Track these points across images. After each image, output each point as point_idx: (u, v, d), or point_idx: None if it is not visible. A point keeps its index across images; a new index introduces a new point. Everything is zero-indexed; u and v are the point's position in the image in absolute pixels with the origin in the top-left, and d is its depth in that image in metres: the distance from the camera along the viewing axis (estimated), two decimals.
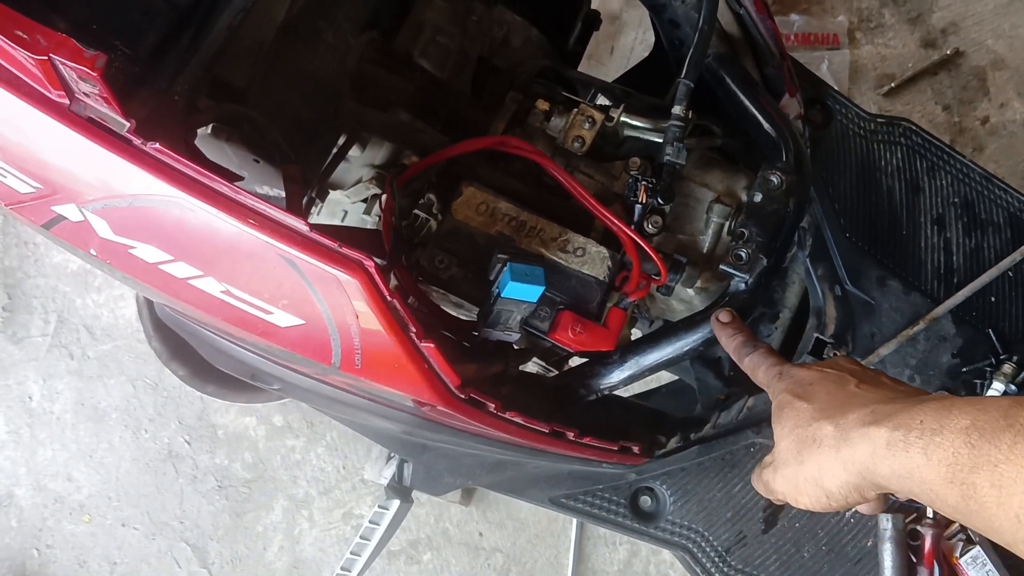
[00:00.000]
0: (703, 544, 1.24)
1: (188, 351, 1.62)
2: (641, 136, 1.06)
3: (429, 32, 1.15)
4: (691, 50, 1.00)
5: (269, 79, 0.96)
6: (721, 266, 0.97)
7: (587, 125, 1.02)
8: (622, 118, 1.04)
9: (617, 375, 1.01)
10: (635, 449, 1.11)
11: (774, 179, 0.98)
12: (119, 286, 2.11)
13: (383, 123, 1.05)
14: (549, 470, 1.21)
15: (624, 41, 2.04)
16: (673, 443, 1.19)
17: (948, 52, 1.93)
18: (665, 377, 1.58)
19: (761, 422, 1.25)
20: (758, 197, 0.97)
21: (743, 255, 0.95)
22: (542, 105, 1.03)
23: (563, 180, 0.98)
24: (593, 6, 1.43)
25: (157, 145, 0.71)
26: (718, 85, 1.10)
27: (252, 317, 0.81)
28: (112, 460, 2.06)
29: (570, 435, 0.99)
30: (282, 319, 0.80)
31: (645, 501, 1.25)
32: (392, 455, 1.47)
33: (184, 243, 0.76)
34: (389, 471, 1.32)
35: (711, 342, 0.97)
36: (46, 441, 2.07)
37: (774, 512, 1.25)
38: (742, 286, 0.97)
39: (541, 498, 1.21)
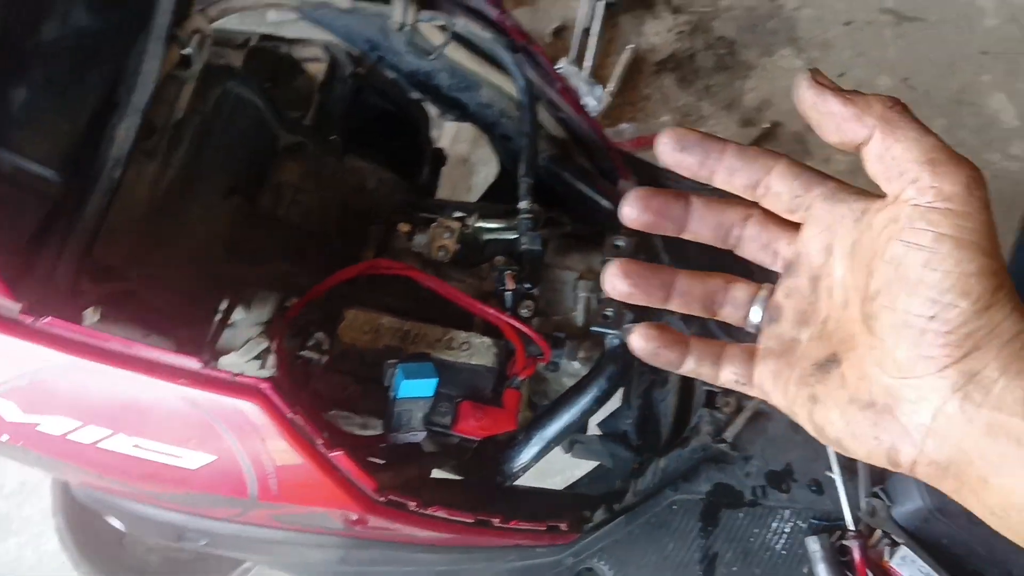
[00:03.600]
0: None
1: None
2: (499, 237, 1.16)
3: (289, 193, 1.24)
4: (524, 152, 1.12)
5: (147, 256, 1.03)
6: (592, 328, 1.06)
7: (447, 235, 1.12)
8: (477, 224, 1.15)
9: (527, 453, 1.07)
10: (563, 527, 1.15)
11: (620, 243, 1.09)
12: (38, 522, 2.05)
13: (260, 276, 1.12)
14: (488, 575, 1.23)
15: (477, 180, 2.19)
16: (599, 515, 1.24)
17: (766, 126, 2.15)
18: (585, 467, 1.63)
19: (676, 480, 1.32)
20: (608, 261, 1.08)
21: (610, 313, 1.05)
22: (403, 227, 1.13)
23: (435, 286, 1.07)
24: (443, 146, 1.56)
25: (48, 319, 0.76)
26: (557, 181, 1.23)
27: (166, 467, 0.84)
28: None
29: (495, 521, 1.04)
30: (194, 460, 0.84)
31: None
32: None
33: (89, 407, 0.81)
34: None
35: (602, 399, 1.05)
36: None
37: (710, 561, 1.30)
38: (616, 342, 1.06)
39: None
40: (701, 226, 0.48)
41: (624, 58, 2.24)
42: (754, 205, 0.48)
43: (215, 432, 0.82)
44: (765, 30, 2.27)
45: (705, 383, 1.38)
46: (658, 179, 1.49)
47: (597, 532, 1.26)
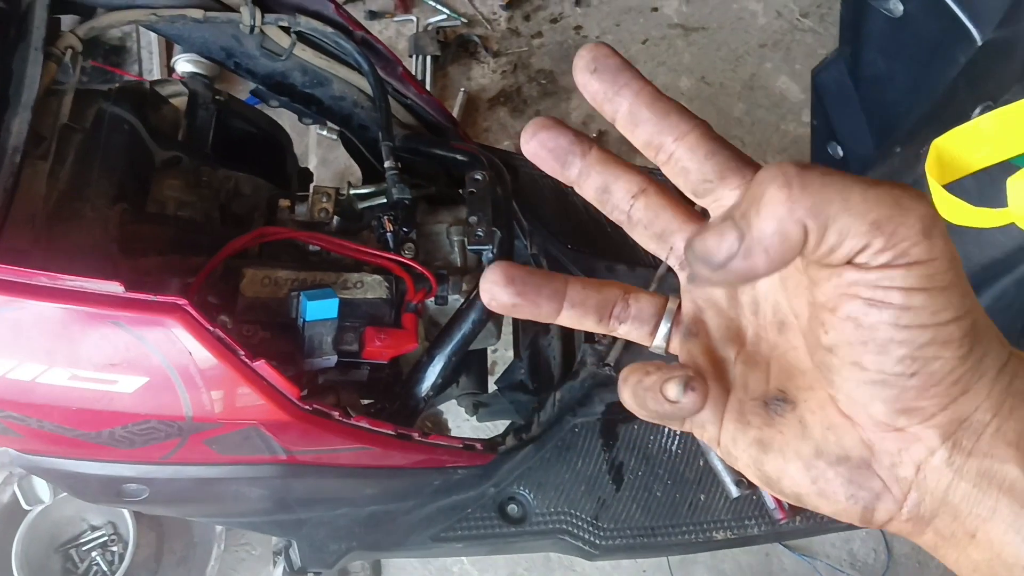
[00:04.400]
0: (574, 521, 1.37)
1: None
2: (373, 203, 1.29)
3: (172, 205, 1.34)
4: (382, 122, 1.27)
5: (49, 257, 1.11)
6: (468, 247, 1.20)
7: (325, 199, 1.24)
8: (351, 192, 1.28)
9: (433, 372, 1.18)
10: (478, 446, 1.26)
11: (478, 176, 1.24)
12: None
13: (157, 265, 1.21)
14: (419, 515, 1.31)
15: None
16: (510, 442, 1.35)
17: (594, 135, 2.39)
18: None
19: (574, 407, 1.45)
20: (472, 192, 1.23)
21: (480, 233, 1.19)
22: (284, 202, 1.25)
23: (321, 241, 1.18)
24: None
25: None
26: (416, 154, 1.38)
27: (104, 395, 0.91)
28: None
29: (416, 435, 1.14)
30: (129, 384, 0.91)
31: (512, 508, 1.37)
32: (276, 553, 1.49)
33: (23, 344, 0.88)
34: (279, 571, 1.35)
35: (488, 311, 1.18)
36: None
37: (617, 471, 1.42)
38: (491, 255, 1.20)
39: (424, 542, 1.31)
40: (587, 186, 0.41)
41: (459, 100, 2.45)
42: (648, 179, 0.41)
43: (144, 352, 0.91)
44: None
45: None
46: (508, 161, 1.67)
47: (511, 461, 1.37)
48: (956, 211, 0.89)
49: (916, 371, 0.32)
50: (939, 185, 0.91)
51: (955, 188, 0.94)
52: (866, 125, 1.46)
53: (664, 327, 0.43)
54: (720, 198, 0.38)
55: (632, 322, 0.43)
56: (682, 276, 0.42)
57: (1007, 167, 0.88)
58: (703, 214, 0.39)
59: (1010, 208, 0.82)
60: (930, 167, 0.92)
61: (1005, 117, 0.87)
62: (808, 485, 0.37)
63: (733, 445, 0.39)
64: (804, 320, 0.37)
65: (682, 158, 0.38)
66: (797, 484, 0.37)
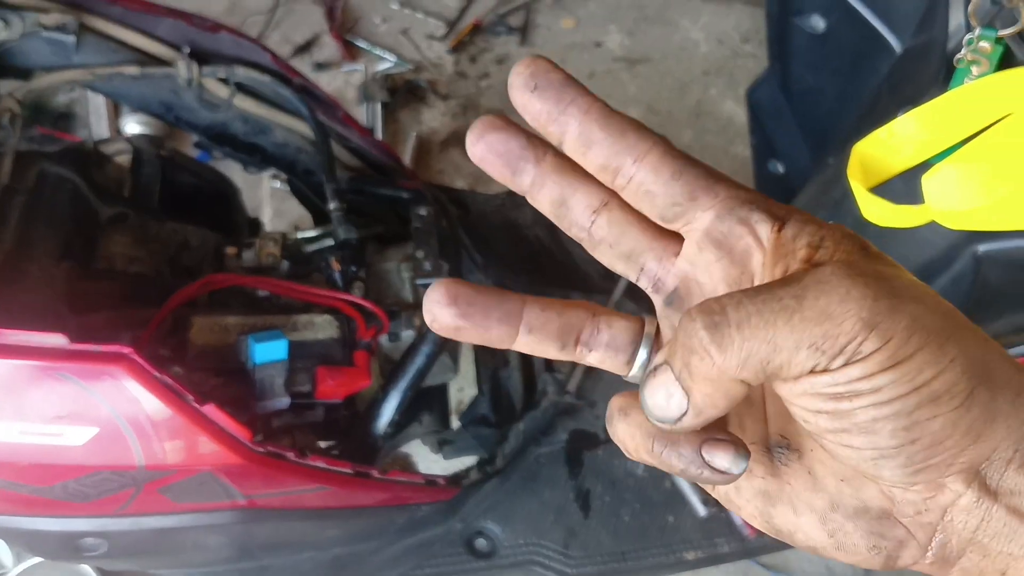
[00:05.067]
0: (544, 551, 1.37)
1: None
2: (321, 245, 1.30)
3: (121, 261, 1.34)
4: (324, 165, 1.29)
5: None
6: (416, 281, 1.21)
7: (272, 244, 1.25)
8: (298, 235, 1.29)
9: (389, 407, 1.18)
10: (441, 481, 1.26)
11: (422, 211, 1.26)
12: None
13: (107, 320, 1.21)
14: (385, 555, 1.30)
15: None
16: (475, 475, 1.35)
17: None
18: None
19: (537, 437, 1.45)
20: (417, 227, 1.24)
21: (427, 266, 1.20)
22: (231, 250, 1.26)
23: (268, 286, 1.19)
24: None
25: None
26: (362, 195, 1.39)
27: (54, 449, 0.91)
28: None
29: (375, 473, 1.14)
30: (79, 435, 0.91)
31: (481, 543, 1.37)
32: None
33: None
34: None
35: (440, 343, 1.19)
36: None
37: (584, 498, 1.42)
38: None
39: None
40: (541, 198, 0.36)
41: (411, 144, 2.47)
42: (612, 192, 0.36)
43: (93, 402, 0.90)
44: None
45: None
46: (458, 198, 1.69)
47: (476, 495, 1.36)
48: (881, 213, 0.92)
49: (916, 437, 0.30)
50: (863, 188, 0.94)
51: (884, 190, 0.97)
52: (802, 139, 1.50)
53: (643, 354, 0.37)
54: (692, 220, 0.34)
55: (605, 349, 0.37)
56: (657, 300, 0.37)
57: (928, 166, 0.91)
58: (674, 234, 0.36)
59: (927, 204, 0.84)
60: (852, 172, 0.95)
61: (920, 118, 0.90)
62: (825, 539, 0.34)
63: (736, 495, 0.36)
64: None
65: (645, 181, 0.34)
66: (813, 539, 0.35)
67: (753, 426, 0.36)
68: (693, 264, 0.35)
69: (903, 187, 0.97)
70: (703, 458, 0.32)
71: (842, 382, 0.29)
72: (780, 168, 1.60)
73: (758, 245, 0.33)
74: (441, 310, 0.35)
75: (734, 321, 0.28)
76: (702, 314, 0.29)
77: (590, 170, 0.35)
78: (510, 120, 0.35)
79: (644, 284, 0.37)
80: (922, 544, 0.33)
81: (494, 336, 0.36)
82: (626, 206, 0.36)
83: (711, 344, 0.28)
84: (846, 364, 0.28)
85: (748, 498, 0.35)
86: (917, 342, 0.29)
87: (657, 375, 0.30)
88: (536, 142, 0.35)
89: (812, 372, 0.29)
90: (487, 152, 0.35)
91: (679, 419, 0.30)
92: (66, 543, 1.01)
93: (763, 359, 0.28)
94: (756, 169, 1.64)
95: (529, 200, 0.36)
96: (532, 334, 0.36)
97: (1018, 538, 0.32)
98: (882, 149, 0.94)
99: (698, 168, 0.34)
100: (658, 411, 0.30)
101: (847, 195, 1.00)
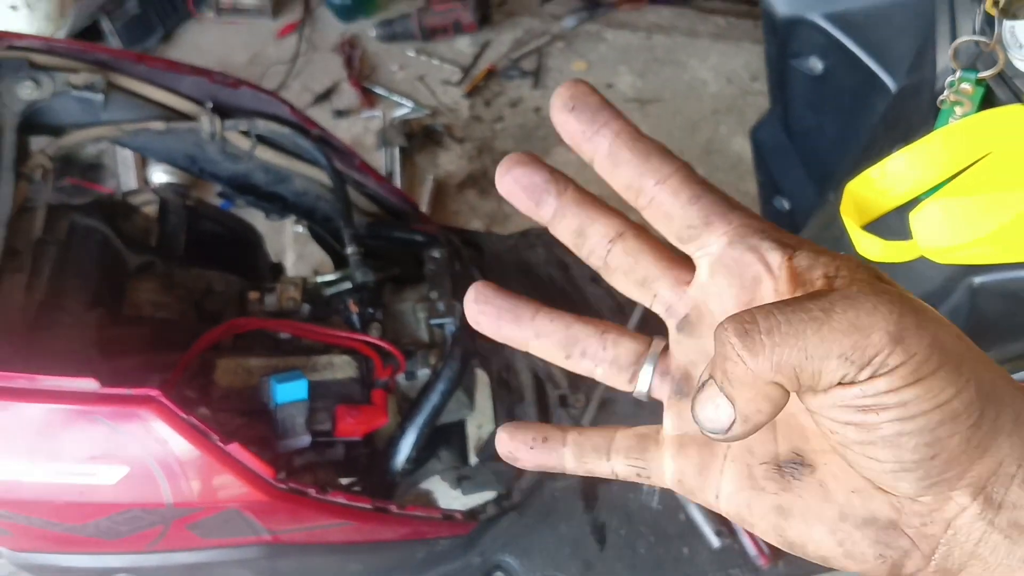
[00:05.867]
0: None
1: None
2: (339, 288, 1.35)
3: (148, 307, 1.40)
4: (342, 211, 1.34)
5: (30, 364, 1.16)
6: (431, 322, 1.25)
7: (292, 288, 1.30)
8: (318, 280, 1.34)
9: (406, 444, 1.22)
10: (459, 515, 1.29)
11: (436, 253, 1.30)
12: None
13: (135, 365, 1.26)
14: None
15: None
16: (491, 509, 1.38)
17: None
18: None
19: (555, 473, 1.48)
20: (431, 269, 1.29)
21: (441, 307, 1.25)
22: (253, 295, 1.31)
23: (289, 328, 1.24)
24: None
25: None
26: (379, 239, 1.45)
27: (87, 488, 0.95)
28: None
29: (393, 508, 1.17)
30: (111, 474, 0.95)
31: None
32: None
33: (7, 444, 0.92)
34: None
35: (455, 379, 1.23)
36: None
37: (600, 531, 1.45)
38: (453, 328, 1.25)
39: None
40: (562, 228, 0.39)
41: (428, 187, 2.54)
42: (626, 221, 0.39)
43: (123, 443, 0.95)
44: (538, 137, 2.64)
45: (557, 388, 1.59)
46: (475, 242, 1.74)
47: (494, 529, 1.39)
48: (874, 249, 0.95)
49: (936, 453, 0.32)
50: (856, 226, 0.97)
51: (879, 225, 1.01)
52: (806, 176, 1.54)
53: (647, 370, 0.39)
54: (705, 244, 0.36)
55: (610, 366, 0.40)
56: (670, 323, 0.39)
57: (917, 203, 0.94)
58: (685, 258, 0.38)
59: (915, 240, 0.88)
60: (845, 210, 0.99)
61: (908, 157, 0.93)
62: (835, 548, 0.36)
63: (748, 513, 0.37)
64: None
65: (664, 202, 0.36)
66: (823, 548, 0.36)
67: (762, 448, 0.37)
68: (704, 291, 0.37)
69: (898, 223, 1.01)
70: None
71: (870, 394, 0.30)
72: (786, 204, 1.64)
73: (768, 273, 0.35)
74: (468, 304, 0.40)
75: (763, 328, 0.30)
76: (733, 323, 0.31)
77: (616, 188, 0.37)
78: (535, 156, 0.38)
79: (658, 309, 0.40)
80: (925, 554, 0.34)
81: (506, 334, 0.40)
82: (641, 236, 0.38)
83: (743, 350, 0.30)
84: (873, 376, 0.30)
85: (761, 515, 0.37)
86: (938, 360, 0.30)
87: (704, 389, 0.32)
88: (558, 176, 0.38)
89: (841, 384, 0.30)
90: (513, 185, 0.38)
91: (729, 428, 0.32)
92: None
93: (795, 365, 0.30)
94: (763, 205, 1.68)
95: (551, 230, 0.39)
96: (540, 339, 0.40)
97: (1018, 551, 0.33)
98: (873, 188, 0.98)
99: (715, 195, 0.36)
100: (709, 423, 0.32)
101: (845, 232, 1.04)
